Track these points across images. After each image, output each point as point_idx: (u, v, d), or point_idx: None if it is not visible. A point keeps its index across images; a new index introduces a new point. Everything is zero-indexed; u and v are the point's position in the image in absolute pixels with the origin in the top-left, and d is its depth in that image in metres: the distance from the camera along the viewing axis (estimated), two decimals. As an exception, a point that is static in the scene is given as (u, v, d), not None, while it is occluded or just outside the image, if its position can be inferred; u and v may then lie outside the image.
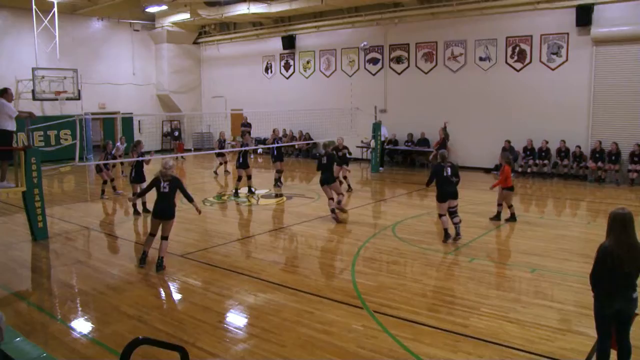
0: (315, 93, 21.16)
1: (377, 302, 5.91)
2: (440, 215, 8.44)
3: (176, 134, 23.98)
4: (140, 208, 11.12)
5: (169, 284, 6.72)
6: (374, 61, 19.58)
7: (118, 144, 15.78)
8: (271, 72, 23.14)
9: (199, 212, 7.59)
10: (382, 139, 17.69)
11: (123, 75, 23.87)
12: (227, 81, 24.56)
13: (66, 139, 21.20)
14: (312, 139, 20.85)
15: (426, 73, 18.25)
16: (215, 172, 16.76)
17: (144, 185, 10.47)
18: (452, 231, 8.54)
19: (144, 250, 7.43)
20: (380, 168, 17.43)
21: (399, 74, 18.96)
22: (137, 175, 10.92)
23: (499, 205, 9.95)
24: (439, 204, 8.42)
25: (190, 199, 7.39)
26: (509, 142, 16.11)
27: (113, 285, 6.62)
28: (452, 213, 8.47)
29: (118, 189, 13.65)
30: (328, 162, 10.27)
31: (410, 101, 18.63)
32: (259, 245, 8.55)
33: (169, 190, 7.17)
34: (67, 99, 20.86)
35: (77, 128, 10.67)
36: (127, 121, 23.40)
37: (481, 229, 9.29)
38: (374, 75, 19.64)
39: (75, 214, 11.15)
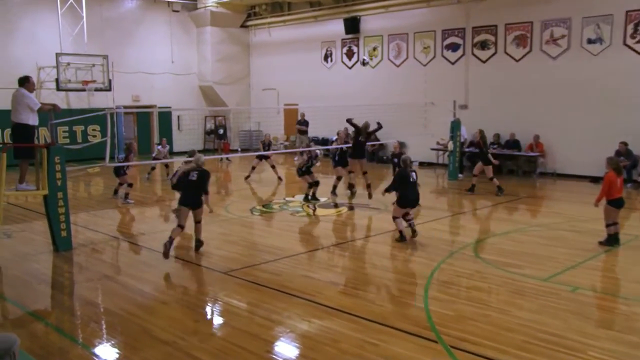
0: (382, 85, 21.10)
1: (454, 336, 5.73)
2: (395, 218, 9.54)
3: (221, 131, 24.53)
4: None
5: (209, 305, 6.80)
6: (454, 47, 19.28)
7: (159, 147, 16.40)
8: (331, 60, 23.27)
9: (210, 210, 8.92)
10: (462, 140, 17.36)
11: (160, 63, 24.66)
12: (280, 71, 24.93)
13: (94, 136, 22.12)
14: (378, 140, 20.73)
15: (517, 60, 17.76)
16: (247, 177, 16.75)
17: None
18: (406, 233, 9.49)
19: (171, 237, 8.51)
20: (460, 175, 17.09)
21: (484, 62, 18.55)
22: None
23: (609, 226, 9.37)
24: (397, 207, 9.54)
25: (206, 193, 8.80)
26: (625, 144, 15.34)
27: (144, 305, 6.75)
28: (407, 213, 9.61)
29: (130, 197, 13.78)
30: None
31: (498, 95, 18.19)
32: (314, 263, 8.54)
33: (197, 179, 8.64)
34: (96, 89, 21.68)
35: (107, 123, 11.09)
36: (165, 116, 24.22)
37: (586, 251, 8.87)
38: (453, 64, 19.32)
39: (103, 221, 11.55)
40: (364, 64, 19.26)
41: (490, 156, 14.38)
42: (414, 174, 9.61)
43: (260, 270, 8.10)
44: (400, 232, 9.51)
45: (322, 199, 13.35)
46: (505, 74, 18.05)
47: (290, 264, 8.44)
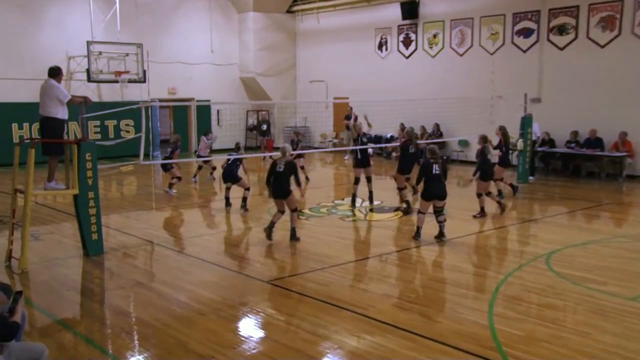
0: (442, 77, 20.89)
1: (523, 358, 5.60)
2: (419, 212, 10.02)
3: (264, 127, 24.73)
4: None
5: (250, 317, 6.84)
6: (526, 33, 18.91)
7: (204, 137, 16.56)
8: (386, 49, 23.17)
9: (302, 194, 10.38)
10: (534, 138, 17.00)
11: (198, 52, 25.01)
12: (329, 62, 24.99)
13: (128, 131, 22.63)
14: (439, 138, 20.52)
15: (602, 46, 17.27)
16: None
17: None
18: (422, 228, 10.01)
19: (272, 221, 10.14)
20: (531, 177, 16.74)
21: (562, 49, 18.12)
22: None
23: None
24: (422, 201, 10.03)
25: (298, 184, 10.45)
26: None
27: (180, 316, 6.83)
28: (437, 212, 9.99)
29: (174, 187, 14.52)
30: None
31: (577, 87, 17.73)
32: (366, 273, 8.51)
33: (284, 170, 9.83)
34: (130, 81, 22.09)
35: (141, 118, 11.22)
36: (203, 111, 24.55)
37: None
38: (524, 51, 18.96)
39: (137, 224, 11.80)
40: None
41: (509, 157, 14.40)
42: (436, 166, 9.88)
43: (307, 280, 8.11)
44: (418, 228, 10.01)
45: (376, 202, 13.28)
46: (587, 62, 17.54)
47: (339, 273, 8.42)
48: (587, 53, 17.55)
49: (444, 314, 6.88)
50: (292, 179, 10.08)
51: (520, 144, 16.55)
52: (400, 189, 12.87)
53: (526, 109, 16.85)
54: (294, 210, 10.10)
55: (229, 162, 13.12)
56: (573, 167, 17.81)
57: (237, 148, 13.30)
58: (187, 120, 25.11)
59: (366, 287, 7.78)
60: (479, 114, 17.90)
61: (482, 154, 12.03)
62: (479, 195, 11.89)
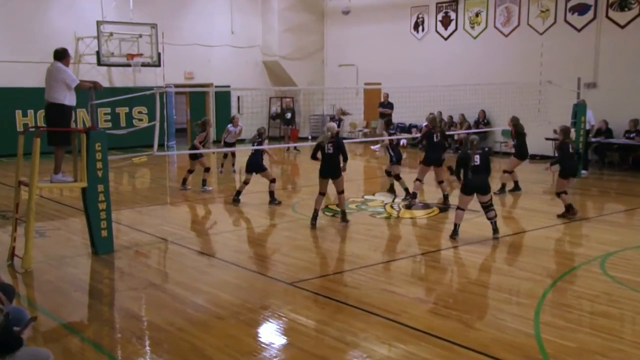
0: (485, 60, 20.76)
1: (575, 374, 5.52)
2: (458, 208, 10.08)
3: (288, 116, 24.75)
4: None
5: (272, 321, 6.85)
6: (581, 9, 18.66)
7: (230, 126, 16.54)
8: (423, 30, 23.04)
9: (344, 169, 10.91)
10: (587, 127, 16.74)
11: (218, 34, 25.14)
12: (360, 44, 24.94)
13: (141, 119, 22.83)
14: (482, 127, 20.31)
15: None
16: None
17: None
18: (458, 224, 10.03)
19: (315, 209, 10.78)
20: (584, 171, 16.51)
21: (622, 27, 17.85)
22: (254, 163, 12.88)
23: None
24: (462, 196, 10.05)
25: (345, 159, 10.89)
26: None
27: (196, 320, 6.86)
28: (485, 208, 10.01)
29: (209, 183, 14.41)
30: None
31: (639, 70, 17.38)
32: (398, 275, 8.47)
33: (334, 151, 10.63)
34: (143, 64, 22.27)
35: (156, 105, 11.27)
36: (223, 97, 24.67)
37: None
38: (579, 30, 18.71)
39: (151, 220, 11.89)
40: (345, 12, 18.69)
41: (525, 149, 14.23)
42: (478, 157, 9.84)
43: (334, 282, 8.11)
44: (455, 225, 10.05)
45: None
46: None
47: (369, 275, 8.40)
48: (653, 31, 17.22)
49: (484, 321, 6.82)
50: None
51: (572, 134, 16.30)
52: (418, 180, 12.79)
53: (579, 95, 16.61)
54: (342, 192, 10.97)
55: (253, 149, 13.16)
56: (633, 159, 17.52)
57: (259, 134, 13.20)
58: (205, 108, 25.26)
59: (398, 291, 7.73)
60: (525, 100, 17.66)
61: (562, 148, 11.74)
62: (559, 194, 11.66)
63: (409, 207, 12.44)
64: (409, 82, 21.16)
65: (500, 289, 7.93)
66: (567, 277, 8.26)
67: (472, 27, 21.45)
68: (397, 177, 13.34)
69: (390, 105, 21.96)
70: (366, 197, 13.81)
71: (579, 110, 16.24)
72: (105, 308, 7.47)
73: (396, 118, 22.11)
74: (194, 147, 14.53)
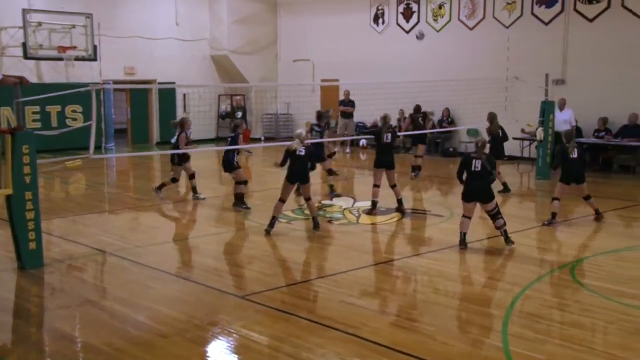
0: (449, 55, 20.98)
1: (546, 388, 5.61)
2: (463, 216, 10.00)
3: (239, 115, 24.60)
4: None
5: (222, 339, 6.79)
6: (549, 2, 19.03)
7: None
8: (383, 23, 23.20)
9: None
10: (568, 127, 17.06)
11: (161, 26, 24.76)
12: (317, 38, 25.00)
13: (75, 119, 22.28)
14: (446, 126, 20.54)
15: (641, 17, 17.41)
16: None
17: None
18: (462, 232, 9.99)
19: (274, 216, 10.79)
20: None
21: (591, 20, 18.26)
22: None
23: None
24: (463, 203, 10.03)
25: (313, 168, 11.56)
26: None
27: (138, 339, 6.76)
28: (493, 217, 9.95)
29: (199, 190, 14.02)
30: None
31: (609, 66, 17.85)
32: (358, 286, 8.44)
33: (305, 155, 10.89)
34: (77, 58, 21.80)
35: (92, 103, 11.11)
36: (167, 95, 24.43)
37: None
38: (546, 24, 19.08)
39: (86, 230, 11.63)
40: (419, 37, 19.20)
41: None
42: (479, 162, 9.79)
43: (289, 295, 8.07)
44: (462, 234, 9.95)
45: (370, 203, 13.27)
46: (621, 36, 17.66)
47: (327, 286, 8.39)
48: (622, 25, 17.65)
49: (450, 334, 6.84)
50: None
51: (540, 134, 16.59)
52: (375, 186, 12.57)
53: (547, 92, 16.91)
54: (309, 199, 11.18)
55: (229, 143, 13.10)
56: (603, 160, 17.88)
57: (235, 126, 13.19)
58: (147, 107, 24.98)
59: (359, 303, 7.72)
60: (491, 98, 17.88)
61: (562, 152, 11.73)
62: (553, 199, 11.72)
63: (369, 213, 12.49)
64: (369, 78, 21.30)
65: (467, 299, 7.99)
66: (537, 285, 8.34)
67: (436, 20, 21.67)
68: (330, 172, 13.99)
69: (352, 103, 22.00)
70: (324, 202, 13.80)
71: (547, 108, 16.53)
72: (34, 329, 7.24)
73: (356, 117, 22.21)
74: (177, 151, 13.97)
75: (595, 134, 17.83)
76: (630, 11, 17.51)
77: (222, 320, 7.23)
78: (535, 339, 6.62)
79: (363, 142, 22.75)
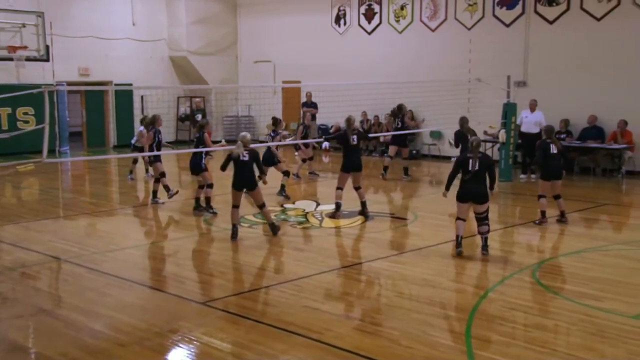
0: (412, 56, 21.12)
1: (510, 390, 5.67)
2: (457, 219, 9.88)
3: (199, 117, 24.46)
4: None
5: (182, 346, 6.74)
6: (510, 3, 19.26)
7: (142, 128, 15.88)
8: (345, 23, 23.25)
9: (265, 182, 11.55)
10: (537, 129, 17.28)
11: (117, 25, 24.54)
12: (277, 38, 24.97)
13: (27, 122, 21.97)
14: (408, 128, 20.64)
15: (599, 19, 17.74)
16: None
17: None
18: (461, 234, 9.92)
19: (233, 224, 10.78)
20: (522, 175, 17.02)
21: (551, 22, 18.54)
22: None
23: None
24: (457, 204, 9.92)
25: (261, 172, 11.15)
26: None
27: (94, 348, 6.67)
28: (479, 220, 9.88)
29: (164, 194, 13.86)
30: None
31: (569, 68, 18.17)
32: (321, 291, 8.46)
33: (249, 159, 10.74)
34: (28, 59, 21.33)
35: (45, 105, 10.96)
36: (124, 97, 24.17)
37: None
38: (507, 26, 19.30)
39: (40, 236, 11.45)
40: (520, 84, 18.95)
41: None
42: (477, 161, 9.79)
43: (251, 300, 8.06)
44: (457, 237, 9.84)
45: (333, 206, 13.28)
46: (581, 38, 17.96)
47: (290, 291, 8.38)
48: (582, 27, 17.94)
49: (414, 338, 6.86)
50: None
51: (502, 136, 16.74)
52: (338, 188, 12.51)
53: (509, 94, 17.11)
54: (263, 206, 10.98)
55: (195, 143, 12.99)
56: (564, 161, 18.11)
57: (199, 127, 13.11)
58: (103, 109, 24.67)
59: (322, 307, 7.73)
60: (453, 99, 18.06)
61: (542, 147, 11.90)
62: (539, 197, 11.88)
63: (332, 216, 12.50)
64: (330, 80, 21.30)
65: (430, 302, 8.01)
66: (500, 287, 8.41)
67: (397, 21, 21.80)
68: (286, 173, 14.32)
69: (314, 105, 22.01)
70: (286, 205, 13.80)
71: (509, 110, 16.72)
72: (-17, 340, 7.13)
73: (318, 119, 22.22)
74: (141, 149, 14.13)
75: (557, 136, 18.05)
76: (588, 13, 17.80)
77: (183, 327, 7.17)
78: (498, 341, 6.69)
79: (325, 145, 22.73)
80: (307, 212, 12.98)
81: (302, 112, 22.51)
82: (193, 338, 6.89)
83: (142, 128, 15.79)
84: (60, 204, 14.84)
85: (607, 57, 17.53)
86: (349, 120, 12.61)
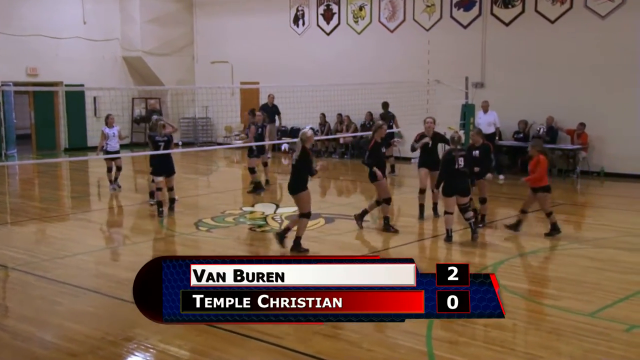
0: (372, 57, 21.21)
1: (470, 391, 5.73)
2: (446, 212, 10.62)
3: (154, 118, 24.28)
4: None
5: (138, 354, 6.68)
6: (467, 5, 19.47)
7: (105, 128, 15.33)
8: (303, 24, 23.26)
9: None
10: (492, 130, 17.48)
11: (67, 23, 24.14)
12: (235, 38, 24.87)
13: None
14: (366, 130, 20.75)
15: (553, 22, 18.03)
16: None
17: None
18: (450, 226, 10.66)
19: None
20: (501, 176, 17.23)
21: (507, 24, 18.78)
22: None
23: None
24: (444, 198, 10.63)
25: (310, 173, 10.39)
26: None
27: (45, 359, 6.59)
28: (463, 210, 10.58)
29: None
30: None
31: (525, 69, 18.43)
32: (280, 296, 8.46)
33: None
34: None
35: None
36: (75, 98, 23.78)
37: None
38: (465, 27, 19.52)
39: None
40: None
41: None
42: (462, 159, 10.42)
43: (207, 306, 8.01)
44: (448, 230, 10.60)
45: (293, 209, 13.29)
46: (536, 40, 18.23)
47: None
48: (536, 29, 18.22)
49: (374, 340, 6.90)
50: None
51: (461, 137, 16.89)
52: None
53: (467, 95, 17.30)
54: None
55: (158, 144, 12.73)
56: (522, 162, 18.37)
57: (153, 126, 12.97)
58: (53, 111, 24.27)
59: (281, 313, 7.74)
60: (414, 101, 18.19)
61: (485, 151, 11.69)
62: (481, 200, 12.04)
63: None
64: (289, 81, 21.26)
65: (390, 305, 8.09)
66: (459, 288, 8.54)
67: (356, 22, 21.87)
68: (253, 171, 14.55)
69: (275, 108, 21.78)
70: (245, 208, 13.76)
71: (468, 111, 16.90)
72: None
73: (277, 121, 22.16)
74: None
75: (515, 136, 18.33)
76: (543, 15, 18.09)
77: (138, 335, 7.08)
78: (458, 341, 6.77)
79: (284, 147, 22.77)
80: (267, 215, 12.95)
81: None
82: (149, 346, 6.83)
83: (104, 127, 15.23)
84: (7, 210, 14.51)
85: (561, 60, 17.81)
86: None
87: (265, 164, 15.93)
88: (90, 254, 10.80)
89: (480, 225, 11.51)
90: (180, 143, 25.12)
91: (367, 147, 11.81)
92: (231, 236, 11.39)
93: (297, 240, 9.99)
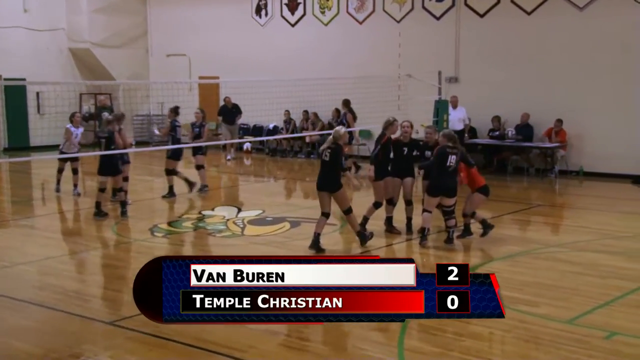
0: (337, 50, 21.28)
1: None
2: (424, 211, 10.59)
3: (105, 115, 24.06)
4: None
5: (86, 372, 6.67)
6: (440, -4, 19.56)
7: (71, 126, 14.92)
8: (266, 14, 23.25)
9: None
10: (461, 126, 17.58)
11: (6, 12, 23.93)
12: (193, 30, 24.81)
13: None
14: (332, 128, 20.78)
15: (529, 13, 18.25)
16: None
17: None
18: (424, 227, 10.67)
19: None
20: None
21: (482, 15, 18.97)
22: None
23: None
24: (428, 197, 10.60)
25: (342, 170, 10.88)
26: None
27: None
28: (447, 213, 10.64)
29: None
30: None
31: (501, 63, 18.62)
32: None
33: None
34: None
35: None
36: (17, 92, 23.49)
37: (627, 281, 9.11)
38: (438, 19, 19.67)
39: None
40: None
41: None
42: (454, 157, 10.38)
43: (163, 318, 7.98)
44: (424, 229, 10.63)
45: (256, 212, 13.30)
46: (511, 32, 18.44)
47: (206, 307, 8.33)
48: (512, 21, 18.42)
49: (344, 353, 6.95)
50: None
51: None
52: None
53: (441, 90, 17.43)
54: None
55: (101, 140, 13.00)
56: (498, 161, 18.60)
57: (106, 122, 13.10)
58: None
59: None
60: (384, 97, 18.28)
61: (441, 154, 11.03)
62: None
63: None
64: (251, 75, 21.23)
65: (360, 313, 8.12)
66: (433, 296, 8.59)
67: (323, 13, 21.91)
68: (172, 172, 14.81)
69: (236, 108, 21.71)
70: (204, 212, 13.71)
71: (440, 107, 17.03)
72: None
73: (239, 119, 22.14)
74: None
75: (490, 134, 18.48)
76: (519, 6, 18.29)
77: (87, 351, 7.04)
78: (432, 352, 6.82)
79: (247, 146, 22.72)
80: (228, 220, 12.92)
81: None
82: (99, 362, 6.80)
83: (70, 126, 15.01)
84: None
85: (539, 53, 18.06)
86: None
87: (201, 167, 15.70)
88: (33, 263, 10.63)
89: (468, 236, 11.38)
90: (133, 142, 24.94)
91: (379, 142, 11.47)
92: (187, 242, 11.34)
93: (316, 240, 10.42)
